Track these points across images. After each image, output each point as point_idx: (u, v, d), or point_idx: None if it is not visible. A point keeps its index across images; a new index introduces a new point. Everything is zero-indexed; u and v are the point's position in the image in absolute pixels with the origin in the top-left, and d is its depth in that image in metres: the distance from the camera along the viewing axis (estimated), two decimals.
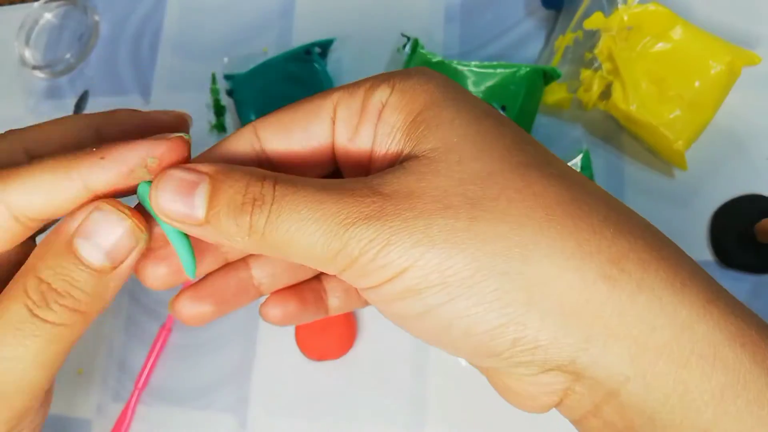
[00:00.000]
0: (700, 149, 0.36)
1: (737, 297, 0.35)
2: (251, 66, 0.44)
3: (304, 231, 0.18)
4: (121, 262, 0.19)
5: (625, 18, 0.37)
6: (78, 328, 0.19)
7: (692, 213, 0.36)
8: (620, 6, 0.37)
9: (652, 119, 0.36)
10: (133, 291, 0.43)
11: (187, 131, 0.24)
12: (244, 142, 0.21)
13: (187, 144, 0.20)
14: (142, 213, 0.20)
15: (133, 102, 0.49)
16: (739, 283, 0.34)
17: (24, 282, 0.19)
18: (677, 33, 0.36)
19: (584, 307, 0.16)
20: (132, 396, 0.41)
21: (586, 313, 0.16)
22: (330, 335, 0.37)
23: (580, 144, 0.37)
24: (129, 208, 0.20)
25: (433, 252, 0.16)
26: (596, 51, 0.37)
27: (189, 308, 0.23)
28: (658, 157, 0.37)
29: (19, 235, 0.20)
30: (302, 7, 0.47)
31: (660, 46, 0.36)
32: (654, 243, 0.17)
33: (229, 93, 0.45)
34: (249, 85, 0.43)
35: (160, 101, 0.48)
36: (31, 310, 0.19)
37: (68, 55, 0.51)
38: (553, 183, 0.17)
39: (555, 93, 0.38)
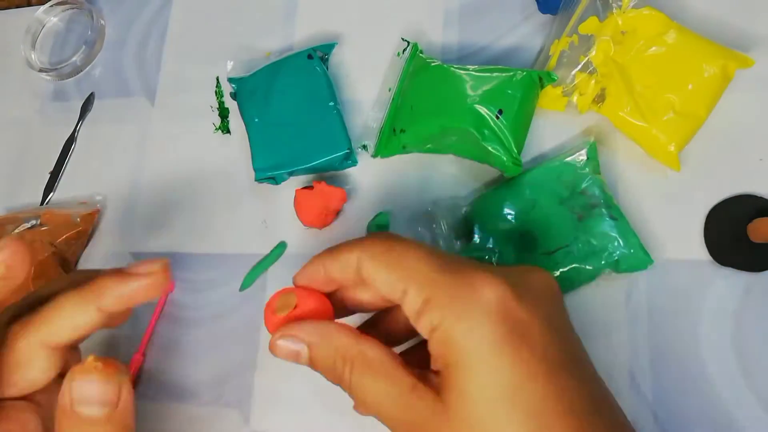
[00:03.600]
0: (693, 150, 0.37)
1: (731, 296, 0.35)
2: (254, 69, 0.45)
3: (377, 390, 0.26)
4: (118, 400, 0.24)
5: (620, 22, 0.37)
6: None
7: (686, 213, 0.36)
8: (615, 11, 0.38)
9: (645, 122, 0.36)
10: None
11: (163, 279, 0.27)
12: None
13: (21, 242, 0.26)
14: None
15: (139, 104, 0.49)
16: (732, 282, 0.35)
17: None
18: (671, 37, 0.37)
19: None
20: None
21: None
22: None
23: (575, 146, 0.38)
24: (100, 362, 0.24)
25: None
26: (591, 55, 0.38)
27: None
28: (652, 159, 0.37)
29: None
30: (304, 13, 0.48)
31: (654, 49, 0.37)
32: None
33: (233, 96, 0.46)
34: (252, 88, 0.44)
35: (165, 104, 0.49)
36: None
37: (74, 58, 0.52)
38: None
39: (550, 96, 0.39)
